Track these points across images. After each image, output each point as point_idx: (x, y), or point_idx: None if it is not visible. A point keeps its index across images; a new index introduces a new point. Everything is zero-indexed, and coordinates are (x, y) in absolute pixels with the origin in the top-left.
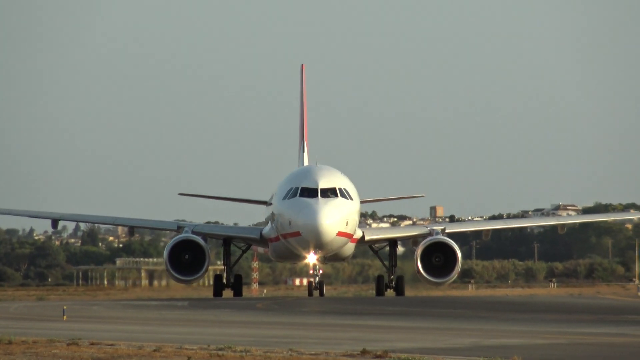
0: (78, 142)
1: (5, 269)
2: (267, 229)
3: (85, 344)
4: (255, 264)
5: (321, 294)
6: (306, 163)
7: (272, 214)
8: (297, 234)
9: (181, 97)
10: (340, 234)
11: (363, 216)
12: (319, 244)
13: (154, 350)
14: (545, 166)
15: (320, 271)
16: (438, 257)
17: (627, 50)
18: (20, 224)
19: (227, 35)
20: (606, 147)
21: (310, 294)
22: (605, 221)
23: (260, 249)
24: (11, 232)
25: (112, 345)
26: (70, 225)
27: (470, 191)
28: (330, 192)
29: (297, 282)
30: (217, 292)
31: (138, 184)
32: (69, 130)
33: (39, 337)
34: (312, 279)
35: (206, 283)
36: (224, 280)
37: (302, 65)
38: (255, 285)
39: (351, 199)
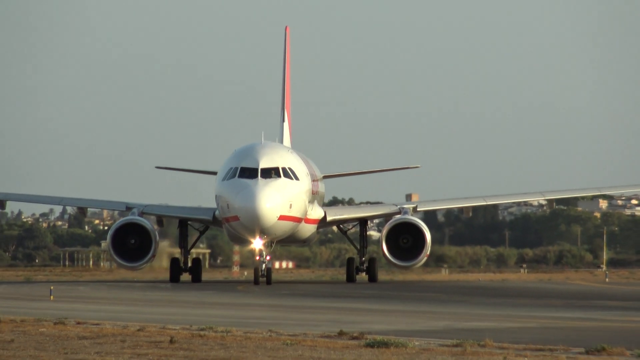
0: (29, 121)
1: None
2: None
3: (71, 323)
4: (236, 247)
5: (268, 282)
6: (286, 134)
7: (215, 195)
8: (236, 218)
9: (150, 67)
10: (283, 217)
11: (340, 202)
12: (259, 229)
13: (138, 330)
14: (514, 157)
15: (268, 257)
16: (405, 239)
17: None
18: (9, 207)
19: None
20: (571, 137)
21: (256, 281)
22: (575, 209)
23: None
24: None
25: (97, 324)
26: (57, 209)
27: (446, 178)
28: (272, 172)
29: (277, 265)
30: (174, 277)
31: (114, 161)
32: (22, 109)
33: (27, 316)
34: (258, 266)
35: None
36: (182, 264)
37: (286, 27)
38: (236, 268)
39: (297, 179)
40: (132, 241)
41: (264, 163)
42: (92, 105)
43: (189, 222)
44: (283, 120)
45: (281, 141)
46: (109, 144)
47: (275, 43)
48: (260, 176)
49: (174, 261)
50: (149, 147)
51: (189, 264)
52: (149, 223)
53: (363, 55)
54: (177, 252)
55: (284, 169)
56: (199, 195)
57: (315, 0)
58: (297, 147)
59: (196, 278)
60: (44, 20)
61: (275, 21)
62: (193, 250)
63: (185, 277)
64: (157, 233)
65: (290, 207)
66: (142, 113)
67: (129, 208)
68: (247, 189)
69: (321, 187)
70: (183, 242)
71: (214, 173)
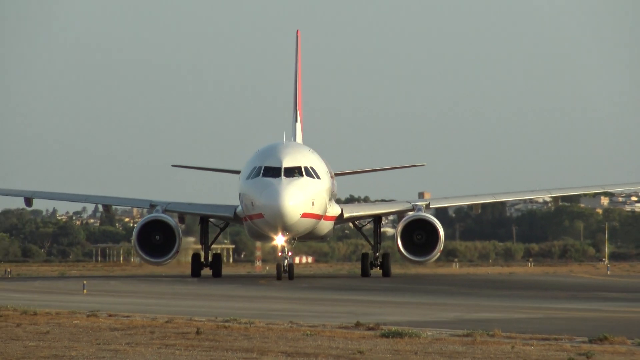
0: (52, 121)
1: (30, 246)
2: (240, 208)
3: (103, 315)
4: (258, 243)
5: (290, 277)
6: (299, 134)
7: (239, 194)
8: (260, 215)
9: (165, 68)
10: (305, 215)
11: (356, 200)
12: (282, 226)
13: (167, 322)
14: (520, 157)
15: (290, 253)
16: (420, 235)
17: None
18: (44, 205)
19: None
20: (574, 138)
21: (278, 277)
22: (578, 206)
23: None
24: (36, 212)
25: (128, 316)
26: (90, 207)
27: (456, 177)
28: (295, 171)
29: (297, 260)
30: (195, 272)
31: (130, 161)
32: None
33: (62, 309)
34: (280, 262)
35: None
36: (202, 260)
37: (297, 31)
38: (258, 263)
39: (318, 177)
40: (156, 237)
41: (287, 162)
42: (116, 108)
43: (209, 219)
44: (295, 121)
45: (294, 141)
46: (134, 145)
47: (287, 46)
48: (284, 175)
49: (195, 256)
50: (170, 148)
51: (210, 259)
52: (172, 220)
53: (372, 56)
54: (200, 248)
55: (306, 168)
56: (218, 192)
57: (324, 5)
58: (309, 146)
59: (216, 273)
60: (73, 21)
61: (287, 26)
62: (217, 246)
63: (206, 271)
64: (180, 229)
65: (312, 204)
66: (161, 115)
67: (152, 206)
68: (271, 188)
69: (335, 185)
70: (204, 238)
71: (229, 171)
